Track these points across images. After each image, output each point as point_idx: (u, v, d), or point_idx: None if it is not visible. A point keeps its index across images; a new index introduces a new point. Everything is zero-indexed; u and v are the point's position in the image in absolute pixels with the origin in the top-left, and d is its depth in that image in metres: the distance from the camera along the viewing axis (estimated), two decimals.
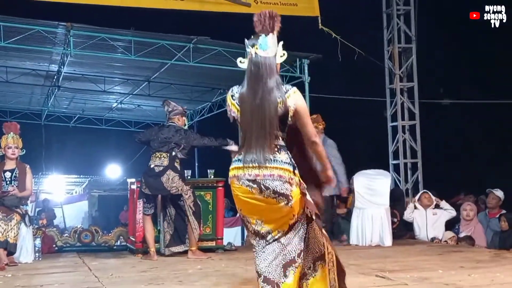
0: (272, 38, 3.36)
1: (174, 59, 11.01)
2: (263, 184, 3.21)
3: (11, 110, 16.72)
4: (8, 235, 6.61)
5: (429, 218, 8.77)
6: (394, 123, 12.21)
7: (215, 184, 7.78)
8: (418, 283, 4.87)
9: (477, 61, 14.29)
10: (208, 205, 7.69)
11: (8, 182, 6.84)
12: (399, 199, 9.60)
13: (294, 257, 3.31)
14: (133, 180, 7.90)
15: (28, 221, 7.14)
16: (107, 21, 10.43)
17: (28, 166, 7.07)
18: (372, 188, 8.46)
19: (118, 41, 10.46)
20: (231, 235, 10.54)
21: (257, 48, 3.34)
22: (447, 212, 8.81)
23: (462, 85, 14.52)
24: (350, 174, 8.82)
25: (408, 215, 8.90)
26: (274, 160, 3.23)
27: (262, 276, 3.28)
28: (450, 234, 8.59)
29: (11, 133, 6.99)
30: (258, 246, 3.35)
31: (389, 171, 10.98)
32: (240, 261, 6.71)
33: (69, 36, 10.01)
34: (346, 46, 11.05)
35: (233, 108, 3.36)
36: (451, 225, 9.01)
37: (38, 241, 7.47)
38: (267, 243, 3.32)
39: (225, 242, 7.97)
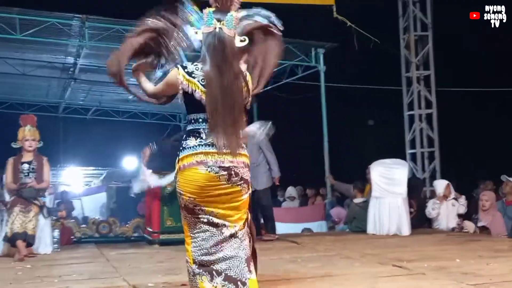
0: (237, 17, 3.16)
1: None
2: (234, 171, 3.06)
3: (28, 103, 16.85)
4: (26, 227, 6.67)
5: (449, 209, 8.72)
6: (411, 112, 12.11)
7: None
8: (436, 272, 4.83)
9: (495, 48, 14.11)
10: None
11: (26, 174, 6.88)
12: (416, 188, 9.53)
13: (250, 251, 3.18)
14: (150, 171, 7.91)
15: (46, 212, 7.21)
16: (122, 12, 10.45)
17: (45, 158, 7.10)
18: (389, 177, 8.41)
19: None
20: None
21: (223, 24, 3.11)
22: (462, 207, 8.78)
23: (479, 73, 14.36)
24: (366, 163, 8.79)
25: (433, 213, 8.79)
26: (242, 148, 3.14)
27: (223, 275, 3.04)
28: (471, 224, 8.55)
29: (28, 125, 7.03)
30: (211, 240, 3.08)
31: (406, 161, 10.91)
32: None
33: (84, 28, 10.06)
34: (361, 34, 10.98)
35: (192, 87, 3.08)
36: (469, 214, 8.99)
37: (56, 233, 7.54)
38: (223, 237, 3.08)
39: None
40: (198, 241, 3.11)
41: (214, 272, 3.05)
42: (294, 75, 13.15)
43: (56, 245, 7.48)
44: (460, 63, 14.22)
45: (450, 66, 13.62)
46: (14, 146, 7.05)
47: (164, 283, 4.63)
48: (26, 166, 6.92)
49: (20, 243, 6.59)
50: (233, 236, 3.10)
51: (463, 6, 11.61)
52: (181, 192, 3.11)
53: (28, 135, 6.98)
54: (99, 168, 19.14)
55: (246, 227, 3.19)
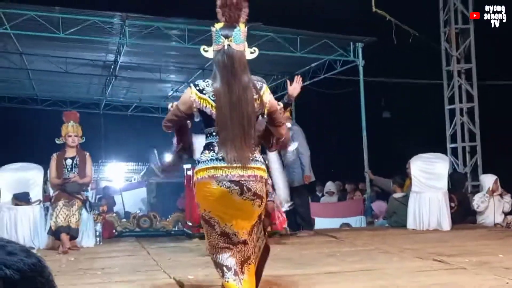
0: (244, 30, 3.24)
1: None
2: (246, 186, 3.14)
3: (71, 100, 17.19)
4: (70, 220, 6.82)
5: (496, 205, 8.59)
6: (452, 106, 11.91)
7: (269, 170, 7.81)
8: (477, 267, 4.77)
9: None
10: None
11: (69, 170, 7.05)
12: (459, 183, 9.40)
13: (250, 254, 3.31)
14: (188, 166, 7.99)
15: (89, 207, 7.36)
16: (161, 10, 10.57)
17: (88, 154, 7.26)
18: (429, 172, 8.33)
19: (172, 29, 10.58)
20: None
21: (231, 40, 3.19)
22: (507, 205, 8.65)
23: None
24: (406, 158, 8.71)
25: (482, 206, 8.65)
26: (254, 160, 3.19)
27: (233, 270, 3.22)
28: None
29: (71, 121, 7.20)
30: (222, 243, 3.26)
31: (446, 155, 10.75)
32: (295, 246, 6.74)
33: (124, 26, 10.21)
34: (401, 28, 10.85)
35: (203, 103, 3.19)
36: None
37: (98, 226, 7.69)
38: (231, 243, 3.26)
39: None
40: (212, 246, 3.31)
41: (224, 268, 3.23)
42: (332, 70, 13.07)
43: (98, 238, 7.63)
44: (502, 56, 13.93)
45: (492, 59, 13.36)
46: (57, 142, 7.23)
47: (204, 276, 4.69)
48: (69, 161, 7.09)
49: (64, 236, 6.75)
50: (243, 242, 3.28)
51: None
52: (198, 204, 3.33)
53: (71, 131, 7.14)
54: (140, 163, 19.41)
55: (254, 229, 3.35)
